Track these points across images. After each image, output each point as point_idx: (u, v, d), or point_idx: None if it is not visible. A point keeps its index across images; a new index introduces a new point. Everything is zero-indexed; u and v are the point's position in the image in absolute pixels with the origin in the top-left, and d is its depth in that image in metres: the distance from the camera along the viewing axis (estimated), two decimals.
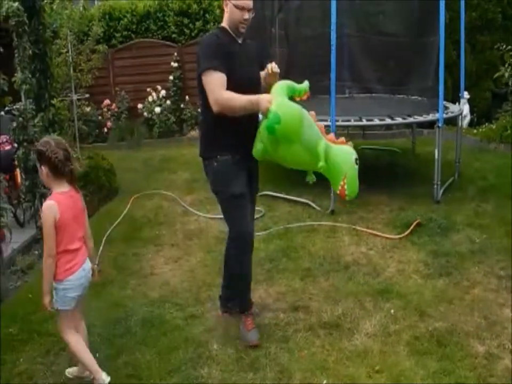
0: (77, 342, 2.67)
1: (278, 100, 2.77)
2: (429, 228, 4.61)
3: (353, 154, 2.89)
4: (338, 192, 2.92)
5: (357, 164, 2.89)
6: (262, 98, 2.81)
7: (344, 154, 2.89)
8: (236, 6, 3.00)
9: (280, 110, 2.72)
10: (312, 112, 2.96)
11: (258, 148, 2.92)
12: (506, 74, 5.95)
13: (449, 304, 3.41)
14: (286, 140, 2.79)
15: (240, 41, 3.10)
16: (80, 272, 2.62)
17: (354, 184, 2.88)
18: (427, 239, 4.43)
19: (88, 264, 2.70)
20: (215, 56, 2.93)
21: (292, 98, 2.87)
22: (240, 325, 3.13)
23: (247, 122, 2.95)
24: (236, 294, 3.27)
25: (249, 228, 3.13)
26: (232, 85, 2.88)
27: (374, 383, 2.68)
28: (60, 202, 2.55)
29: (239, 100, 2.84)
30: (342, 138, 2.96)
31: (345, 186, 2.85)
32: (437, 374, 2.72)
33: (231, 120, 2.89)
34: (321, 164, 2.79)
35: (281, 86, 2.87)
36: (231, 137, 2.98)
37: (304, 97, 2.92)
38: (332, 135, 3.01)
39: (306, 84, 2.97)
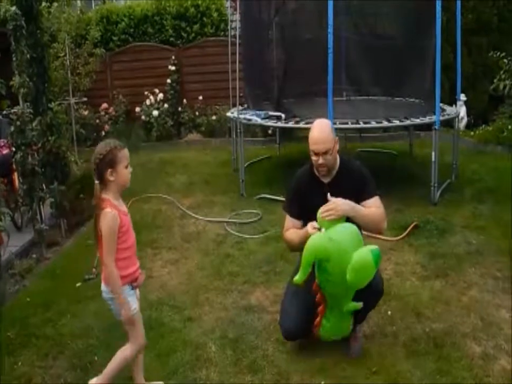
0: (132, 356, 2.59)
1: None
2: (426, 230, 4.63)
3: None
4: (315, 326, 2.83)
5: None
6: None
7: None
8: (310, 150, 2.90)
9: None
10: None
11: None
12: (501, 85, 5.95)
13: (446, 305, 3.42)
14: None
15: (327, 181, 2.94)
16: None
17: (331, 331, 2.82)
18: (424, 240, 4.45)
19: None
20: (291, 200, 3.08)
21: None
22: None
23: None
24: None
25: None
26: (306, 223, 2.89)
27: None
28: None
29: (294, 240, 2.92)
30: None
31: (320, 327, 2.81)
32: (433, 374, 2.74)
33: None
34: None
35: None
36: None
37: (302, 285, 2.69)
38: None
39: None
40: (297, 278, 2.61)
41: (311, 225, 2.73)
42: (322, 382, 2.72)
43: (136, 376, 2.69)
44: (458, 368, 2.77)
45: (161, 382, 2.75)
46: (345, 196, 2.82)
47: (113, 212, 2.41)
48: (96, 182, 2.44)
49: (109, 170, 2.42)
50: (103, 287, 2.54)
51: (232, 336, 3.17)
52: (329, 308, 2.75)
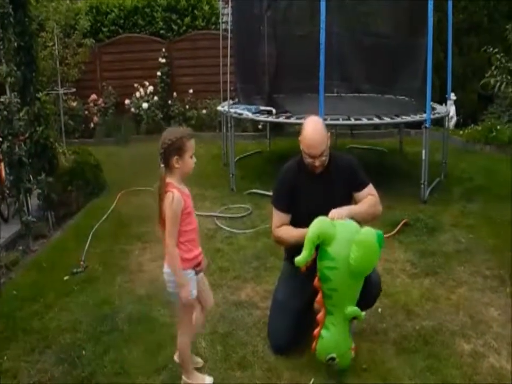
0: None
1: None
2: (415, 228, 4.65)
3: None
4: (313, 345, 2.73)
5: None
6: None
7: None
8: (304, 152, 2.84)
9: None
10: None
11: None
12: (492, 81, 5.99)
13: (436, 303, 3.44)
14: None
15: (317, 173, 2.89)
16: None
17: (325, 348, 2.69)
18: (414, 238, 4.46)
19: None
20: (279, 193, 2.99)
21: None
22: None
23: None
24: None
25: None
26: (295, 223, 2.89)
27: (361, 381, 2.69)
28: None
29: (289, 240, 2.86)
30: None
31: (318, 342, 2.71)
32: (423, 372, 2.74)
33: None
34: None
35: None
36: None
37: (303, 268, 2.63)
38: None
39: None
40: (300, 258, 2.53)
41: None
42: (313, 379, 2.71)
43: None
44: (447, 365, 2.79)
45: (211, 378, 2.71)
46: (336, 187, 2.85)
47: (177, 194, 2.45)
48: (162, 165, 2.48)
49: (176, 157, 2.47)
50: (167, 269, 2.55)
51: (222, 332, 3.15)
52: (330, 314, 2.67)
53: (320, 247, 2.60)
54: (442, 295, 3.54)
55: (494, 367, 2.78)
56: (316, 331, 2.70)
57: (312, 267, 2.63)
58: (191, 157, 2.52)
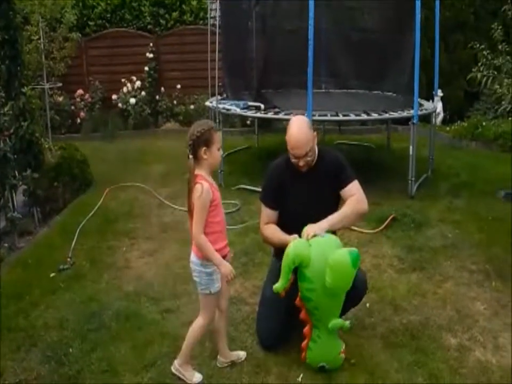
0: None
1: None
2: (403, 223, 4.68)
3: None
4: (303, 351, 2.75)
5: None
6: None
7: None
8: (289, 151, 2.83)
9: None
10: None
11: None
12: (479, 75, 6.05)
13: (423, 298, 3.47)
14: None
15: (304, 171, 2.88)
16: None
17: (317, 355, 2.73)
18: (401, 233, 4.49)
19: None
20: (266, 190, 2.99)
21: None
22: None
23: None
24: None
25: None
26: (282, 220, 2.90)
27: (349, 376, 2.71)
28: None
29: (273, 240, 2.88)
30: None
31: (307, 353, 2.73)
32: (410, 366, 2.77)
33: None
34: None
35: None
36: None
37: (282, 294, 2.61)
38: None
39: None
40: (277, 285, 2.57)
41: (293, 237, 2.71)
42: (301, 375, 2.72)
43: (222, 348, 2.80)
44: (434, 359, 2.81)
45: (200, 376, 2.72)
46: (323, 185, 2.85)
47: (206, 186, 2.52)
48: (191, 157, 2.55)
49: (204, 148, 2.54)
50: (194, 258, 2.62)
51: (211, 328, 3.13)
52: (315, 327, 2.70)
53: (298, 269, 2.61)
54: (429, 289, 3.57)
55: (480, 360, 2.81)
56: (303, 343, 2.74)
57: (293, 284, 2.65)
58: (219, 149, 2.60)
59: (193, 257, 2.63)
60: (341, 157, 2.99)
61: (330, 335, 2.70)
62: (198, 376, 2.69)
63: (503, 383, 2.65)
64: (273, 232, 2.89)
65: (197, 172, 2.56)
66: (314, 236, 2.63)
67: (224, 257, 2.61)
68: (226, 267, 2.54)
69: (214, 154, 2.58)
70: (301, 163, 2.82)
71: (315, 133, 2.88)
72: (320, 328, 2.69)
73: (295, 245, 2.60)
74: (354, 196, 2.85)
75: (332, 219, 2.76)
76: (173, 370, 2.72)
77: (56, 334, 3.13)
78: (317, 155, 2.90)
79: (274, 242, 2.91)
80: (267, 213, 2.96)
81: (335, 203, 2.93)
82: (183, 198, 5.59)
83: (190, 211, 2.58)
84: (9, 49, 4.95)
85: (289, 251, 2.58)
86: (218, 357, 2.82)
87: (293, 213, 2.87)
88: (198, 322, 2.69)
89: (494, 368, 2.75)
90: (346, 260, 2.52)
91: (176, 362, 2.72)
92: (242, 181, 5.96)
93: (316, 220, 2.73)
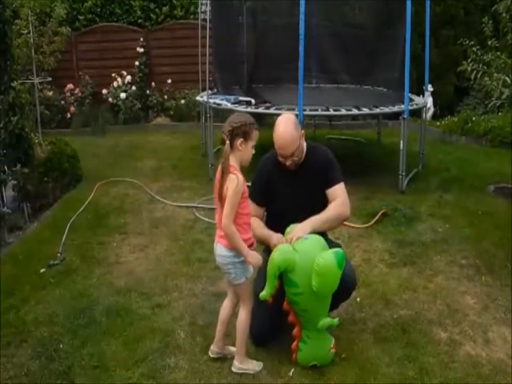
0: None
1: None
2: (394, 218, 4.70)
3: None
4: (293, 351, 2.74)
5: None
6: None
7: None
8: (277, 153, 2.84)
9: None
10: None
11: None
12: (469, 69, 6.09)
13: (413, 292, 3.48)
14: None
15: (292, 168, 2.88)
16: None
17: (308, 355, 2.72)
18: (392, 228, 4.51)
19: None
20: (254, 186, 2.96)
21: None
22: None
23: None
24: None
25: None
26: (270, 216, 2.91)
27: (340, 370, 2.71)
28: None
29: (255, 232, 2.80)
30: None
31: (297, 354, 2.74)
32: (401, 360, 2.78)
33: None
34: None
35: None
36: None
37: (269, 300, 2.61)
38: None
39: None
40: (264, 293, 2.56)
41: (277, 238, 2.72)
42: (293, 369, 2.72)
43: (220, 338, 2.77)
44: (425, 354, 2.83)
45: (261, 363, 2.72)
46: (311, 182, 2.85)
47: (241, 178, 2.53)
48: (227, 143, 2.54)
49: (241, 140, 2.55)
50: (223, 251, 2.60)
51: (202, 323, 3.14)
52: (304, 328, 2.70)
53: (284, 274, 2.61)
54: (420, 284, 3.59)
55: (470, 354, 2.83)
56: (293, 345, 2.74)
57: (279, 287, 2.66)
58: (252, 147, 2.61)
59: (223, 251, 2.60)
60: (330, 155, 2.98)
61: (319, 334, 2.71)
62: (258, 363, 2.71)
63: (492, 376, 2.68)
64: (256, 226, 2.87)
65: (230, 161, 2.55)
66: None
67: (251, 245, 2.63)
68: (254, 256, 2.57)
69: (248, 150, 2.58)
70: (288, 162, 2.83)
71: (303, 131, 2.88)
72: (309, 329, 2.70)
73: (279, 250, 2.60)
74: (338, 199, 2.85)
75: (315, 222, 2.75)
76: (235, 370, 2.68)
77: (46, 329, 3.10)
78: (306, 152, 2.89)
79: (255, 235, 2.86)
80: (253, 208, 2.92)
81: (322, 201, 2.91)
82: (174, 193, 5.62)
83: (221, 198, 2.55)
84: None
85: (274, 257, 2.57)
86: (211, 346, 2.79)
87: (280, 210, 2.88)
88: (242, 313, 2.68)
89: (484, 362, 2.77)
90: (332, 262, 2.51)
91: (235, 363, 2.69)
92: None
93: (303, 217, 2.74)
